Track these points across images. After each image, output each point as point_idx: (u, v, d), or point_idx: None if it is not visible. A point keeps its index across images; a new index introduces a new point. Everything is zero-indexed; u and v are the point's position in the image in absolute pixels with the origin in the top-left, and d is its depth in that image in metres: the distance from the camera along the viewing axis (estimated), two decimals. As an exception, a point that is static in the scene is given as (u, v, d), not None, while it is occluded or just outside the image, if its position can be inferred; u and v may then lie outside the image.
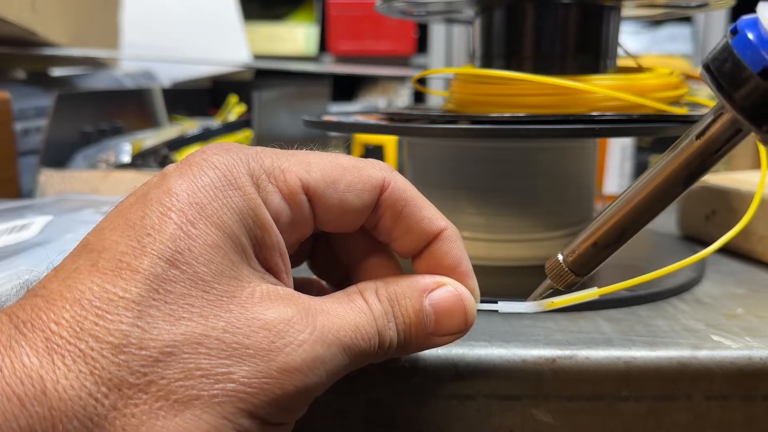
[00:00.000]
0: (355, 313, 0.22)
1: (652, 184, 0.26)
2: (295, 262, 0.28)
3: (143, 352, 0.18)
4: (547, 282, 0.28)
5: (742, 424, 0.28)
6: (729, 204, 0.44)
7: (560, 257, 0.28)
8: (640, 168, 0.81)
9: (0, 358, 0.17)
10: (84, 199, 0.53)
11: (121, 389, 0.18)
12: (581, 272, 0.28)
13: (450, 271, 0.25)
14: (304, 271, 0.28)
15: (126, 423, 0.18)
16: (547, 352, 0.28)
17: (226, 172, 0.21)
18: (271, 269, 0.22)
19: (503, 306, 0.27)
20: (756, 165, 0.69)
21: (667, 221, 0.55)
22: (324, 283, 0.28)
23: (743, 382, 0.27)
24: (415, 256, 0.26)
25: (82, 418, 0.17)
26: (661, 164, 0.26)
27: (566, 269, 0.27)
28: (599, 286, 0.38)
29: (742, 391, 0.28)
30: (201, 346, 0.19)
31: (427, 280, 0.25)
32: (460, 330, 0.25)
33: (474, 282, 0.26)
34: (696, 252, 0.29)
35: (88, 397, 0.17)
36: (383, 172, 0.24)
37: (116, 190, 0.56)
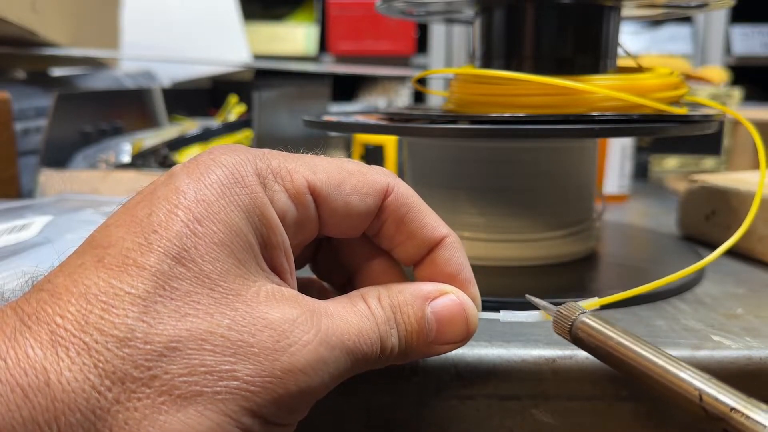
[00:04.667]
0: (358, 318, 0.22)
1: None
2: (298, 265, 0.28)
3: (148, 347, 0.18)
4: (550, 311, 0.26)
5: (742, 424, 0.28)
6: (729, 204, 0.44)
7: (579, 317, 0.25)
8: (640, 168, 0.81)
9: (5, 350, 0.17)
10: (84, 199, 0.53)
11: (125, 383, 0.18)
12: (576, 343, 0.25)
13: (451, 278, 0.25)
14: (305, 271, 0.28)
15: (128, 417, 0.18)
16: (547, 352, 0.28)
17: (234, 171, 0.21)
18: (275, 269, 0.22)
19: (505, 315, 0.27)
20: (756, 165, 0.69)
21: (667, 221, 0.55)
22: (325, 284, 0.28)
23: (743, 382, 0.27)
24: (416, 263, 0.26)
25: (84, 410, 0.17)
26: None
27: (567, 327, 0.25)
28: (599, 286, 0.38)
29: (742, 391, 0.27)
30: (206, 342, 0.19)
31: (430, 287, 0.25)
32: (461, 338, 0.25)
33: (475, 290, 0.26)
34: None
35: (91, 390, 0.17)
36: (387, 178, 0.24)
37: (116, 190, 0.56)
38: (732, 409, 0.20)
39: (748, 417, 0.20)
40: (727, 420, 0.20)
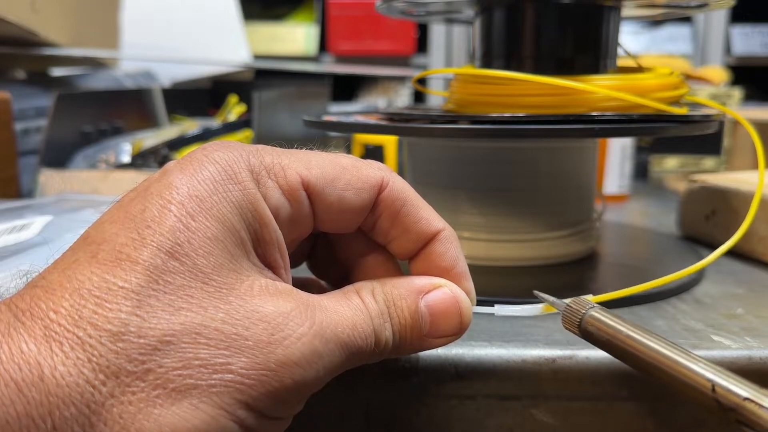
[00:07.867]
0: (352, 312, 0.22)
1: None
2: (295, 262, 0.28)
3: (142, 341, 0.18)
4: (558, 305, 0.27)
5: (742, 424, 0.28)
6: (729, 204, 0.44)
7: (589, 311, 0.25)
8: (640, 168, 0.81)
9: None
10: (84, 199, 0.53)
11: (119, 377, 0.18)
12: (586, 337, 0.25)
13: (446, 272, 0.25)
14: (304, 271, 0.28)
15: (123, 410, 0.18)
16: (547, 352, 0.28)
17: (227, 167, 0.21)
18: (269, 265, 0.22)
19: (499, 309, 0.27)
20: (756, 165, 0.69)
21: (667, 221, 0.55)
22: (323, 282, 0.28)
23: (743, 382, 0.27)
24: (411, 257, 0.26)
25: (79, 404, 0.17)
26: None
27: (577, 322, 0.25)
28: (599, 286, 0.38)
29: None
30: (200, 336, 0.19)
31: (424, 281, 0.25)
32: (455, 332, 0.25)
33: (470, 284, 0.26)
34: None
35: (85, 384, 0.17)
36: (382, 173, 0.24)
37: (116, 190, 0.56)
38: (745, 399, 0.20)
39: (761, 406, 0.20)
40: (740, 410, 0.20)
